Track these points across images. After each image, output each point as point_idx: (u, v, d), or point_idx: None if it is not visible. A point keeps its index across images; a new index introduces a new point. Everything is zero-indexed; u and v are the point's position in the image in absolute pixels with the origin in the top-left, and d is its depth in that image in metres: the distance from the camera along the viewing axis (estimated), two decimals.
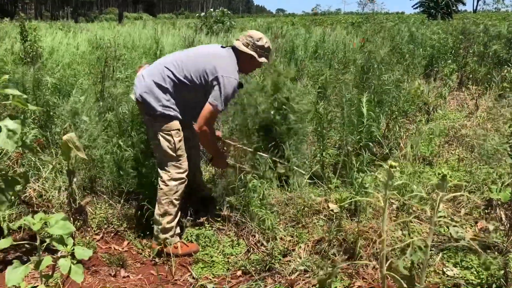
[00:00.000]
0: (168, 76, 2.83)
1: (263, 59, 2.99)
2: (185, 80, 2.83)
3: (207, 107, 2.79)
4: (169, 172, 2.88)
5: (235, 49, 2.97)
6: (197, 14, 21.57)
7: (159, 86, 2.82)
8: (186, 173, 2.94)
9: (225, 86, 2.77)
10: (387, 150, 4.08)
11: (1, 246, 1.98)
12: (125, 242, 3.10)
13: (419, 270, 2.17)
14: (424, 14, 27.59)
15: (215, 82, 2.78)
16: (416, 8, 32.12)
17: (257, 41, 2.94)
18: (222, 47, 3.01)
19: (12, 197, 2.78)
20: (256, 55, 2.95)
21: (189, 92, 2.87)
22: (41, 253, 1.95)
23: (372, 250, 2.69)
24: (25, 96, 2.49)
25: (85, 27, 14.93)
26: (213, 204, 3.32)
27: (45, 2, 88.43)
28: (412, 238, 2.67)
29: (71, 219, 2.94)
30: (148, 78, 2.86)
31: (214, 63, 2.81)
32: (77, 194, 3.27)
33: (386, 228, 1.85)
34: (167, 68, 2.86)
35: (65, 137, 2.77)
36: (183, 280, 2.70)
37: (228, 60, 2.89)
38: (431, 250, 2.13)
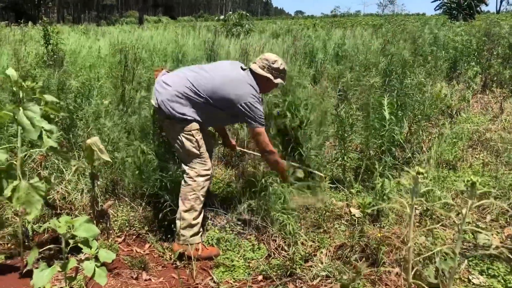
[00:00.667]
0: (193, 91, 2.91)
1: (278, 80, 3.16)
2: (210, 100, 2.93)
3: (252, 134, 3.04)
4: (195, 168, 2.96)
5: (252, 71, 3.10)
6: (216, 18, 21.66)
7: (181, 97, 2.89)
8: (211, 170, 3.03)
9: (251, 109, 2.92)
10: (409, 154, 4.02)
11: (31, 258, 2.03)
12: (147, 245, 3.12)
13: (444, 277, 2.13)
14: (445, 16, 27.12)
15: (242, 109, 2.92)
16: (438, 9, 31.55)
17: (273, 63, 3.10)
18: (242, 68, 3.11)
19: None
20: (272, 77, 3.11)
21: (212, 109, 2.97)
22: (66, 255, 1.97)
23: (395, 256, 2.65)
24: (61, 102, 2.56)
25: (107, 30, 15.10)
26: (234, 208, 3.32)
27: (68, 6, 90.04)
28: (436, 245, 2.63)
29: (94, 221, 2.97)
30: (171, 87, 2.92)
31: (237, 91, 2.93)
32: (99, 197, 3.31)
33: (413, 236, 1.82)
34: (191, 83, 2.93)
35: (89, 141, 2.81)
36: (204, 284, 2.70)
37: (248, 84, 3.00)
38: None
